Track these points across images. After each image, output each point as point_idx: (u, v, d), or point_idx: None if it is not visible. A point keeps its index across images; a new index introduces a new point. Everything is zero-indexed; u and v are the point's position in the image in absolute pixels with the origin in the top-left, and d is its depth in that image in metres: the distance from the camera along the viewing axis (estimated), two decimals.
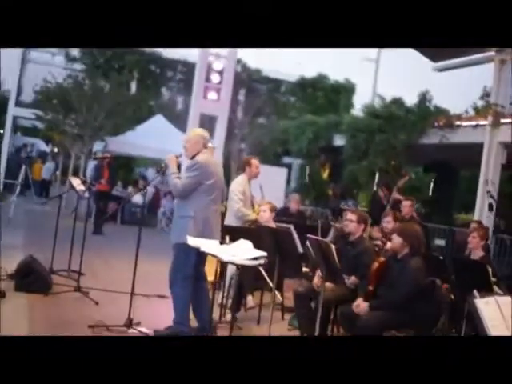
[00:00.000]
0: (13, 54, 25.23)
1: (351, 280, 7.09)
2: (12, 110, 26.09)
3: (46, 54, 29.24)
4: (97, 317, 7.07)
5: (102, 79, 21.29)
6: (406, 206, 10.10)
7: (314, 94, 26.06)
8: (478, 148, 14.02)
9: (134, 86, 24.39)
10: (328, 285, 7.11)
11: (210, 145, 7.11)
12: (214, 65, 15.49)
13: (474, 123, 14.52)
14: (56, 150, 30.04)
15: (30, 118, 24.02)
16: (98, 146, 20.33)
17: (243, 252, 5.85)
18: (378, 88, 24.40)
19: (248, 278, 8.11)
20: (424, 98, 17.01)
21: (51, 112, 19.96)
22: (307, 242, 6.74)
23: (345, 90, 27.02)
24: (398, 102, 17.75)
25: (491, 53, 13.90)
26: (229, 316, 7.87)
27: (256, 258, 5.77)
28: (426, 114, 16.44)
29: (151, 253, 6.92)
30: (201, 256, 6.85)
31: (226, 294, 8.20)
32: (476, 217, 13.31)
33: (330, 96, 26.53)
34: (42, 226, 14.97)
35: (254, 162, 8.95)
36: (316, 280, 7.46)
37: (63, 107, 19.36)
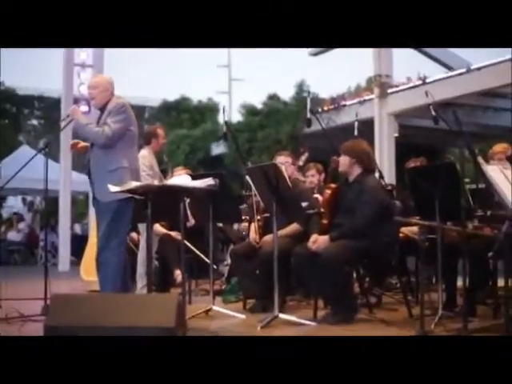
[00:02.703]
0: None
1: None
2: None
3: None
4: None
5: None
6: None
7: (179, 117, 25.31)
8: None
9: None
10: (267, 237, 6.33)
11: None
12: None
13: (360, 99, 14.11)
14: None
15: None
16: None
17: (187, 182, 5.19)
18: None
19: (172, 250, 7.17)
20: (301, 88, 16.57)
21: None
22: (246, 177, 5.91)
23: (209, 110, 26.39)
24: (274, 96, 17.27)
25: None
26: None
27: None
28: (305, 102, 15.96)
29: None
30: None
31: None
32: None
33: (195, 117, 25.79)
34: None
35: (161, 131, 7.74)
36: (253, 235, 6.64)
37: None
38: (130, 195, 5.46)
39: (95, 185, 5.85)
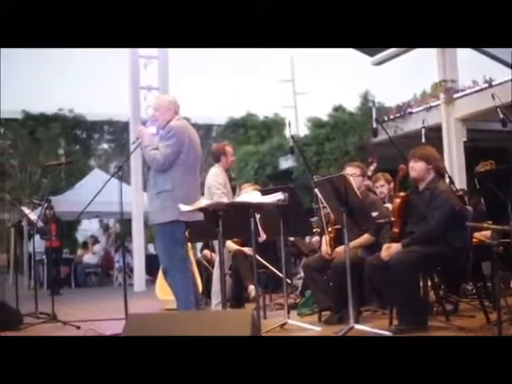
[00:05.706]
0: None
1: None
2: None
3: None
4: None
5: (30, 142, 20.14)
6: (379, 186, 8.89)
7: (246, 133, 25.43)
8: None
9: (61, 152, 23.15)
10: (339, 249, 6.33)
11: None
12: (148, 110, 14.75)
13: (426, 106, 13.98)
14: None
15: None
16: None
17: (257, 198, 5.26)
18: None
19: (244, 266, 7.24)
20: (365, 98, 16.52)
21: None
22: (315, 190, 5.96)
23: (275, 125, 26.44)
24: (339, 108, 17.25)
25: None
26: None
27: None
28: (370, 112, 15.93)
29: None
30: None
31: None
32: None
33: (262, 133, 25.88)
34: None
35: (229, 149, 7.80)
36: (325, 247, 6.65)
37: None
38: (174, 218, 5.61)
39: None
